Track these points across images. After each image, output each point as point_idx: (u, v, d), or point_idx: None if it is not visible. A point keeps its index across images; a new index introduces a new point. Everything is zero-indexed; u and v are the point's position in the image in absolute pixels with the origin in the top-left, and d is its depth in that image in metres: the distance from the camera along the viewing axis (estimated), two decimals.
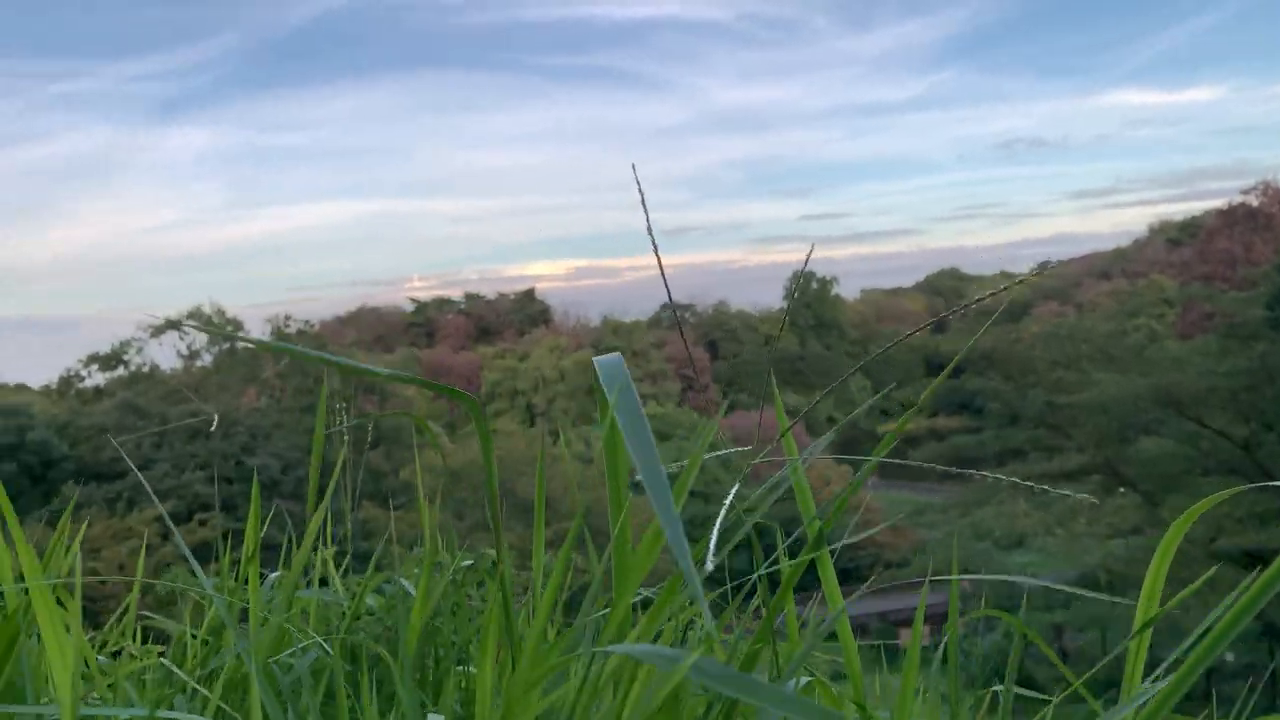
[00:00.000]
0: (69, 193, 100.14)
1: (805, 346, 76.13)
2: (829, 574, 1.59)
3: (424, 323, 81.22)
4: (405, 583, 1.95)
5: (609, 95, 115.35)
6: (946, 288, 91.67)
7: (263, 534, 1.87)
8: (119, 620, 2.02)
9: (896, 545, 38.01)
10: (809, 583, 1.70)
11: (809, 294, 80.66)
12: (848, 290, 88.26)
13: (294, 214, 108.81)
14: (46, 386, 55.80)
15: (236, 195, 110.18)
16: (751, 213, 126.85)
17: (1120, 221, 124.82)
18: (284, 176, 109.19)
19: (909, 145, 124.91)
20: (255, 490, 1.87)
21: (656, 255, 1.55)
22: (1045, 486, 1.46)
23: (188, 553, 1.77)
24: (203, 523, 29.64)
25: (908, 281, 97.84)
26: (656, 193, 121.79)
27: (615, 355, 1.32)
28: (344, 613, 1.91)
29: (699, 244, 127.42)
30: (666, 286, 1.58)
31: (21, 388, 55.46)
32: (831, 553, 1.47)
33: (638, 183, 1.48)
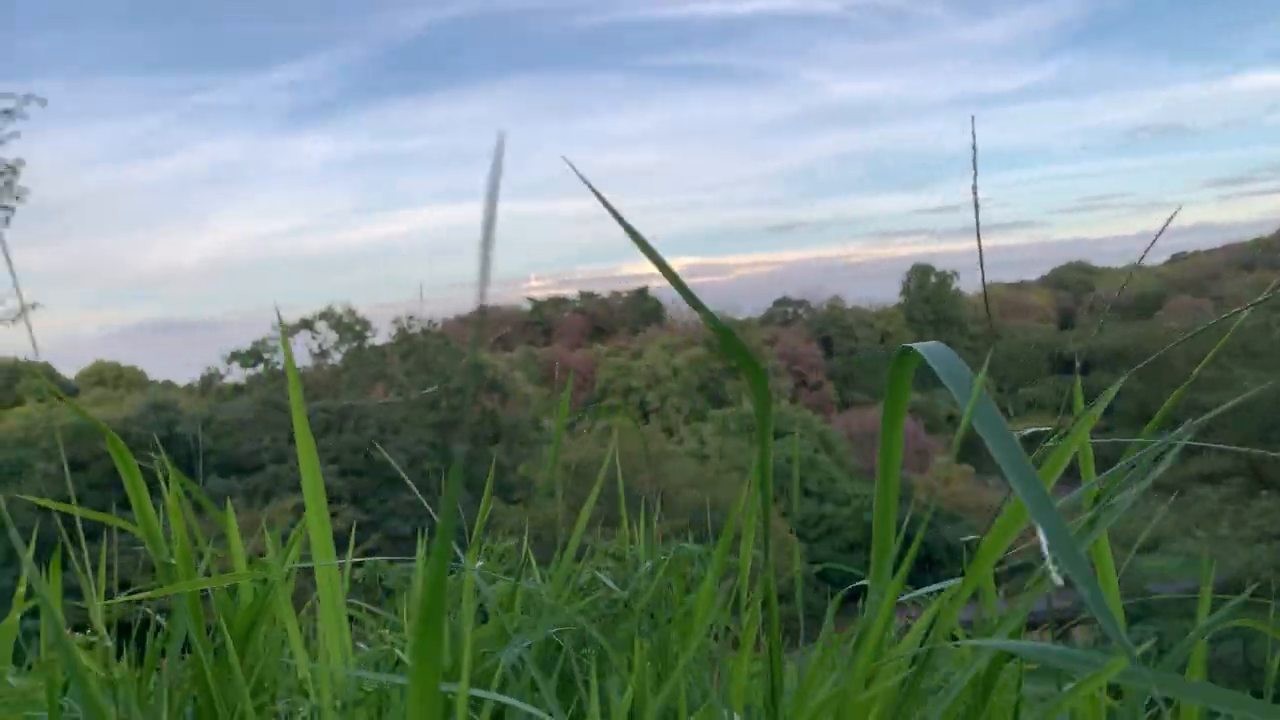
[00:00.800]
0: (208, 201, 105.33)
1: (924, 342, 74.44)
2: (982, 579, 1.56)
3: (541, 321, 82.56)
4: (603, 576, 1.95)
5: (718, 92, 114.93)
6: (1073, 281, 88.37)
7: (388, 526, 1.93)
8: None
9: (1020, 548, 36.81)
10: (920, 583, 1.67)
11: (927, 288, 78.85)
12: (968, 285, 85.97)
13: (416, 217, 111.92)
14: (190, 384, 58.90)
15: (362, 199, 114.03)
16: (865, 207, 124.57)
17: (1260, 210, 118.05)
18: (406, 181, 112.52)
19: (1029, 135, 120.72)
20: (455, 472, 1.93)
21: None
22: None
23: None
24: (334, 514, 30.70)
25: (1031, 275, 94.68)
26: (766, 189, 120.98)
27: (941, 345, 1.19)
28: (567, 596, 1.91)
29: (810, 240, 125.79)
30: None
31: (168, 384, 58.70)
32: (954, 551, 1.44)
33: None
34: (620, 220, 1.09)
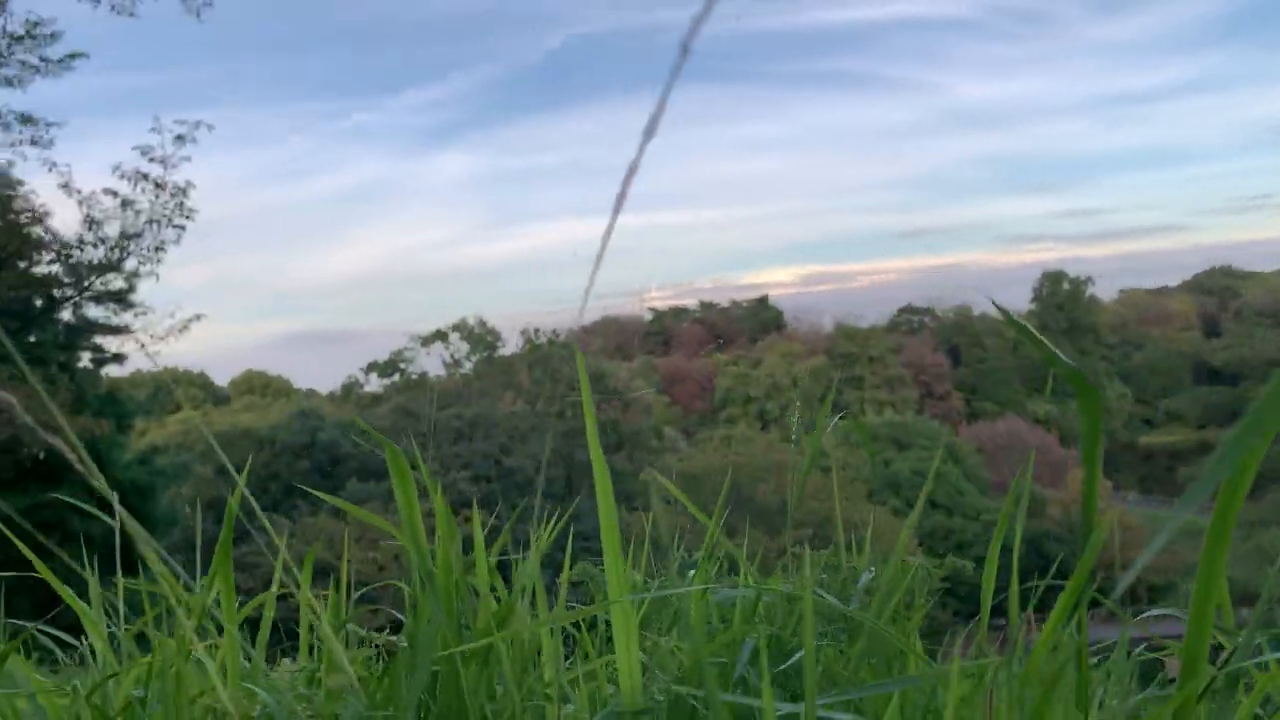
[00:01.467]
0: (353, 217, 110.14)
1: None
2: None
3: (661, 331, 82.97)
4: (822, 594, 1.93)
5: (845, 98, 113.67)
6: (1218, 287, 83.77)
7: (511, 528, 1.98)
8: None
9: (1162, 568, 35.11)
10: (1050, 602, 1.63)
11: (1060, 295, 76.03)
12: (1104, 291, 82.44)
13: (546, 230, 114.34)
14: (332, 392, 61.46)
15: (495, 215, 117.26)
16: (996, 211, 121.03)
17: None
18: (537, 195, 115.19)
19: (1173, 134, 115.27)
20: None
21: None
22: None
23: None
24: (466, 519, 31.53)
25: (1173, 281, 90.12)
26: (892, 194, 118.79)
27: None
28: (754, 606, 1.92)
29: (937, 246, 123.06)
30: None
31: (312, 393, 61.41)
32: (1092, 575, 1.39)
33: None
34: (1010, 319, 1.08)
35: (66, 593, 1.65)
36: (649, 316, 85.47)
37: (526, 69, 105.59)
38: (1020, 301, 78.50)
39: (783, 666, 1.68)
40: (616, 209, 0.64)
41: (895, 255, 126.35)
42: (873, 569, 1.98)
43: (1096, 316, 77.14)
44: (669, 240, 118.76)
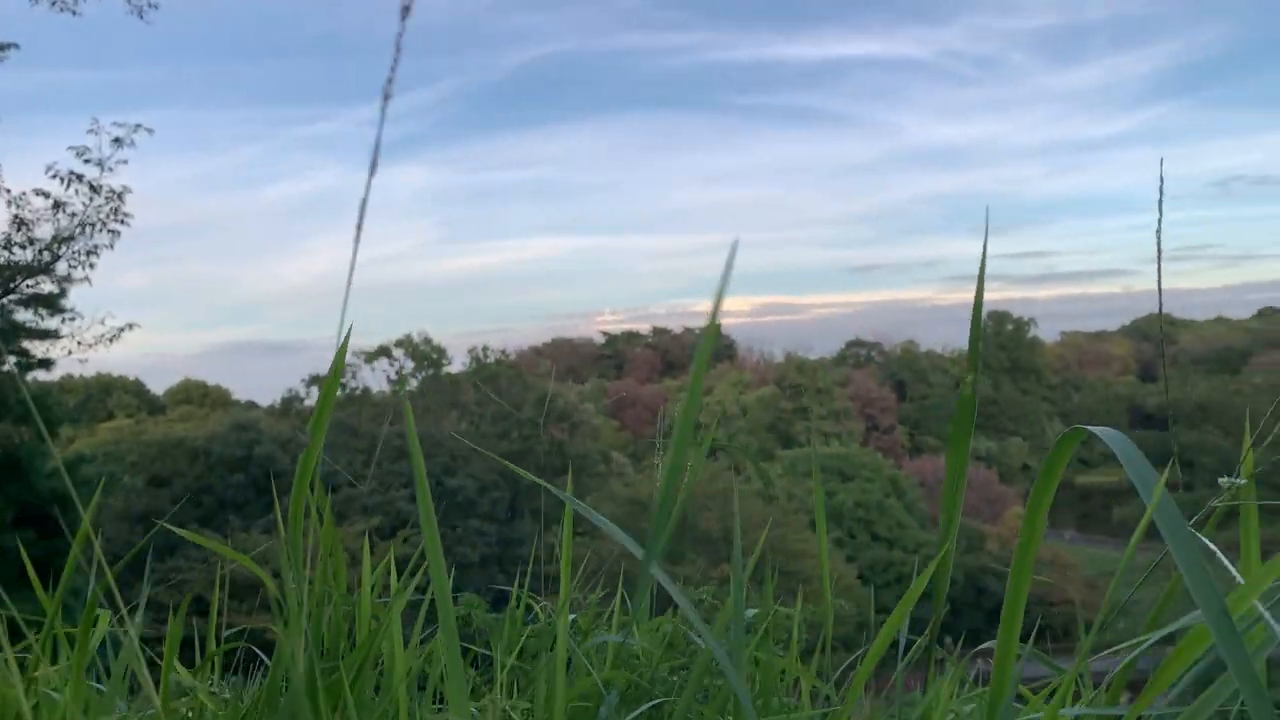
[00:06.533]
0: (304, 229, 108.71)
1: (999, 390, 72.94)
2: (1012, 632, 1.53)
3: (613, 355, 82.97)
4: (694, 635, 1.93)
5: (804, 133, 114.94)
6: (1155, 332, 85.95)
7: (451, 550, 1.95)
8: None
9: (1095, 604, 35.67)
10: (984, 638, 1.64)
11: (1004, 335, 77.40)
12: (1047, 332, 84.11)
13: (501, 249, 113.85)
14: (272, 405, 60.36)
15: (450, 231, 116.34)
16: (946, 250, 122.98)
17: None
18: (494, 214, 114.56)
19: (1117, 183, 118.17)
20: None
21: None
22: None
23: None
24: (405, 539, 31.15)
25: (1113, 325, 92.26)
26: (847, 230, 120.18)
27: (1116, 431, 1.17)
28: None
29: (888, 282, 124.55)
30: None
31: (251, 405, 60.23)
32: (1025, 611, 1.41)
33: None
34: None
35: None
36: (601, 340, 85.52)
37: (488, 86, 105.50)
38: (965, 339, 79.65)
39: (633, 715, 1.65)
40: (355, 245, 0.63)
41: (846, 289, 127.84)
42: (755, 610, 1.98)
43: (1039, 357, 78.62)
44: (624, 264, 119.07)
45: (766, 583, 2.07)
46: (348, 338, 1.24)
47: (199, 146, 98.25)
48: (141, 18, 16.95)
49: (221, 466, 38.51)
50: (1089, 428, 1.18)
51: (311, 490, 1.45)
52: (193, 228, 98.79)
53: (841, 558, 39.02)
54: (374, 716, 1.44)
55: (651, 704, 1.64)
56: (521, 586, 2.13)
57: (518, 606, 2.02)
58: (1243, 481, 1.47)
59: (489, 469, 38.42)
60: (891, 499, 46.96)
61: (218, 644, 1.73)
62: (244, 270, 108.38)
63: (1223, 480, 1.44)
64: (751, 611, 1.96)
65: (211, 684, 1.60)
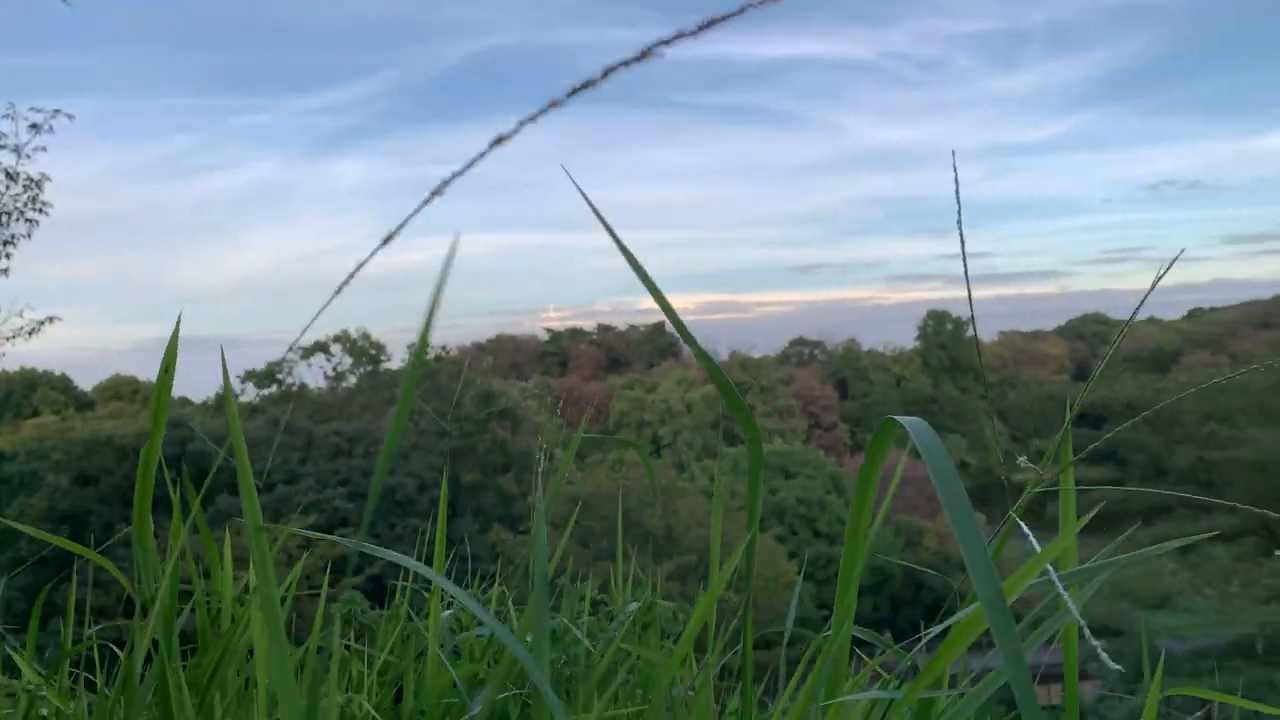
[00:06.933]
0: (241, 221, 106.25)
1: (938, 388, 74.17)
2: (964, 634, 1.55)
3: (558, 352, 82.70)
4: (574, 627, 1.95)
5: (749, 132, 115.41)
6: (1090, 333, 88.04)
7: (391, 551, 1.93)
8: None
9: (1030, 600, 36.42)
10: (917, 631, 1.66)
11: (944, 335, 78.69)
12: (986, 332, 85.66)
13: (442, 245, 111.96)
14: (205, 401, 59.03)
15: (389, 226, 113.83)
16: (887, 251, 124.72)
17: None
18: (434, 208, 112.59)
19: (1053, 186, 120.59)
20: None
21: None
22: (1200, 538, 1.40)
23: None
24: (342, 537, 30.73)
25: (1049, 325, 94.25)
26: (791, 229, 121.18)
27: (921, 421, 1.21)
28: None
29: (831, 281, 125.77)
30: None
31: (184, 401, 58.85)
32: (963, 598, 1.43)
33: None
34: (626, 253, 1.11)
35: None
36: (545, 337, 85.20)
37: (429, 79, 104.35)
38: (906, 338, 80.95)
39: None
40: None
41: (790, 288, 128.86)
42: (635, 602, 2.01)
43: (977, 356, 80.00)
44: (568, 261, 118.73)
45: (657, 576, 2.08)
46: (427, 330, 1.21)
47: (132, 136, 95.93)
48: (65, 2, 16.45)
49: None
50: (898, 418, 1.24)
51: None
52: (125, 219, 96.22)
53: (783, 553, 39.35)
54: (231, 700, 1.43)
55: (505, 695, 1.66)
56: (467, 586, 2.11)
57: (401, 603, 2.04)
58: (1029, 463, 1.54)
59: (429, 466, 38.08)
60: (833, 495, 47.48)
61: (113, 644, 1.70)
62: (178, 263, 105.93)
63: (1020, 459, 1.51)
64: (633, 605, 1.98)
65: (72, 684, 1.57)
